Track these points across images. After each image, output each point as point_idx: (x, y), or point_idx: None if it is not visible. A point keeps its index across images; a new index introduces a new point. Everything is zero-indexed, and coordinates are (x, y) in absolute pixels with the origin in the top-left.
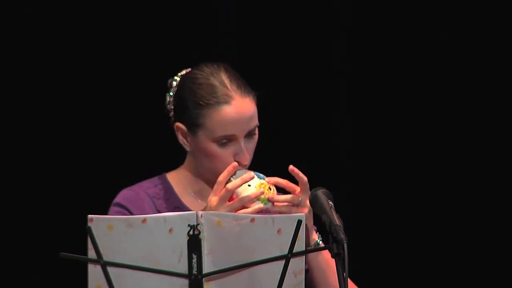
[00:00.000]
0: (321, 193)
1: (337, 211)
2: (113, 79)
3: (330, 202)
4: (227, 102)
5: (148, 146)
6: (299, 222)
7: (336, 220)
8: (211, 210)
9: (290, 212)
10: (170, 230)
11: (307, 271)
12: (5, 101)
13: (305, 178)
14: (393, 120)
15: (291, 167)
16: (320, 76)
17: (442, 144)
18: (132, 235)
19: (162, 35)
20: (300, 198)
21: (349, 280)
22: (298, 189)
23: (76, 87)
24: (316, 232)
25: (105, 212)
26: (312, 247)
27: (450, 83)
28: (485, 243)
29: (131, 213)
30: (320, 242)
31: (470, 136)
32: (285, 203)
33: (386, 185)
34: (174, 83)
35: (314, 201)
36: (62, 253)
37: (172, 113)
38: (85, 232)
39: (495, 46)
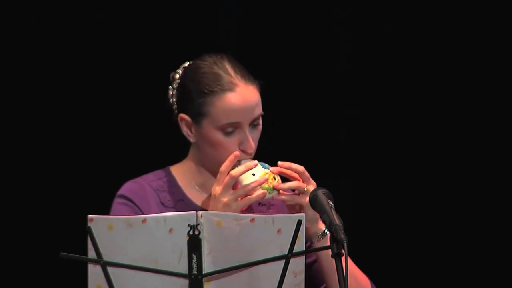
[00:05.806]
0: (321, 193)
1: (337, 211)
2: (113, 77)
3: (330, 202)
4: (231, 89)
5: (147, 146)
6: (299, 222)
7: (336, 220)
8: (216, 199)
9: (294, 201)
10: (170, 230)
11: (311, 265)
12: (5, 100)
13: (301, 167)
14: (394, 119)
15: (279, 163)
16: (320, 76)
17: (442, 144)
18: (132, 235)
19: (163, 34)
20: (306, 186)
21: (355, 266)
22: (300, 178)
23: (76, 86)
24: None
25: (106, 211)
26: (320, 237)
27: (453, 82)
28: (485, 243)
29: (136, 205)
30: (327, 232)
31: (470, 136)
32: (290, 192)
33: (386, 185)
34: (177, 76)
35: (314, 201)
36: (62, 253)
37: (175, 106)
38: (85, 232)
39: (496, 44)
